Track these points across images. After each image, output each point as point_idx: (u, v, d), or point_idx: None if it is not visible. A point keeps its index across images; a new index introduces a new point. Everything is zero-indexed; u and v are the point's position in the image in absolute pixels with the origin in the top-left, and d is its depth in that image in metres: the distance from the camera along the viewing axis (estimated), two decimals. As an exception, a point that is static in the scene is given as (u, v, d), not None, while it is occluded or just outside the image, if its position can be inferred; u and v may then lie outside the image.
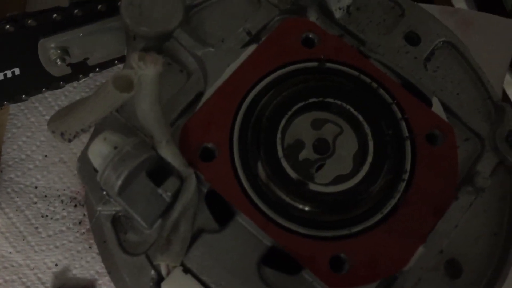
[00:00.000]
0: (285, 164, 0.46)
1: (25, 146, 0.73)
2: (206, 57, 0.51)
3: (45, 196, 0.70)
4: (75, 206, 0.70)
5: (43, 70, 0.66)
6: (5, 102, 0.69)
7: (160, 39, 0.52)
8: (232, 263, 0.46)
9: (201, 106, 0.48)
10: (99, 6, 0.63)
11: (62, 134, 0.44)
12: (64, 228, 0.69)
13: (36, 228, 0.69)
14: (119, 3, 0.63)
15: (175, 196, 0.45)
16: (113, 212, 0.46)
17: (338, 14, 0.55)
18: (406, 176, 0.48)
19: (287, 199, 0.46)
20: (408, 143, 0.49)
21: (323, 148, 0.49)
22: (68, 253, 0.67)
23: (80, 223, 0.69)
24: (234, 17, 0.55)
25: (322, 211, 0.47)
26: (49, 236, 0.68)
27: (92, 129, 0.48)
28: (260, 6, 0.56)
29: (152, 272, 0.45)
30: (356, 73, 0.51)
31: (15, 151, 0.72)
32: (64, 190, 0.70)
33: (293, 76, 0.50)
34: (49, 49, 0.64)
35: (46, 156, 0.72)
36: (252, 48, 0.51)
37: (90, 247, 0.68)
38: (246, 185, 0.46)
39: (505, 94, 0.77)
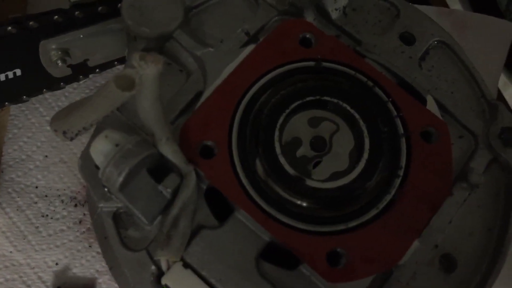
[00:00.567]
0: (283, 160, 0.47)
1: (25, 147, 0.73)
2: (206, 57, 0.52)
3: (46, 196, 0.71)
4: (75, 205, 0.71)
5: (44, 71, 0.67)
6: (6, 103, 0.70)
7: (160, 40, 0.53)
8: (231, 258, 0.46)
9: (200, 105, 0.49)
10: (100, 8, 0.64)
11: (64, 132, 0.45)
12: (64, 228, 0.69)
13: (37, 227, 0.69)
14: (119, 5, 0.64)
15: (175, 192, 0.46)
16: (114, 209, 0.47)
17: (334, 15, 0.56)
18: (401, 173, 0.49)
19: (285, 195, 0.47)
20: (403, 140, 0.50)
21: (320, 145, 0.50)
22: (69, 252, 0.68)
23: (80, 222, 0.70)
24: (232, 18, 0.56)
25: (319, 207, 0.47)
26: (50, 235, 0.69)
27: (93, 128, 0.49)
28: (258, 8, 0.57)
29: (153, 267, 0.46)
30: (352, 72, 0.52)
31: (16, 151, 0.73)
32: (65, 190, 0.71)
33: (290, 75, 0.51)
34: (50, 51, 0.64)
35: (46, 156, 0.73)
36: (250, 48, 0.52)
37: (90, 246, 0.69)
38: (245, 181, 0.47)
39: (500, 94, 0.79)
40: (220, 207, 0.49)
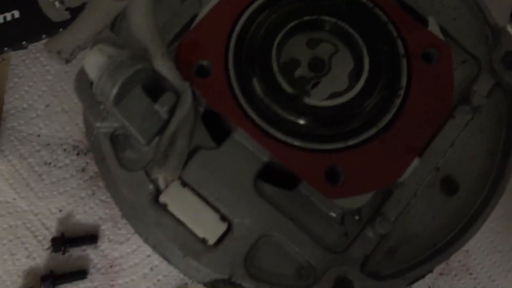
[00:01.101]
0: (280, 79, 0.47)
1: (27, 96, 0.73)
2: (201, -22, 0.51)
3: (48, 145, 0.71)
4: (78, 154, 0.71)
5: (43, 15, 0.66)
6: (6, 48, 0.70)
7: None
8: (229, 177, 0.46)
9: (196, 24, 0.48)
10: None
11: (58, 52, 0.45)
12: (67, 175, 0.69)
13: (40, 175, 0.69)
14: None
15: (171, 113, 0.46)
16: (111, 130, 0.47)
17: None
18: (401, 92, 0.48)
19: (283, 114, 0.47)
20: (404, 61, 0.49)
21: (319, 66, 0.49)
22: (72, 199, 0.68)
23: (83, 170, 0.70)
24: None
25: (318, 125, 0.47)
26: (53, 182, 0.69)
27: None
28: None
29: (151, 186, 0.46)
30: (351, -8, 0.51)
31: (17, 100, 0.73)
32: (67, 138, 0.71)
33: (287, -5, 0.51)
34: None
35: (48, 105, 0.73)
36: (247, -33, 0.51)
37: (93, 194, 0.69)
38: (242, 100, 0.47)
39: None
40: (217, 130, 0.49)
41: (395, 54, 0.49)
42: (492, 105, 0.52)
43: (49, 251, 0.65)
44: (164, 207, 0.45)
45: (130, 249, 0.67)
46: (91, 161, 0.71)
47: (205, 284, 0.47)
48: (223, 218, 0.45)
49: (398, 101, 0.48)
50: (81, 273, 0.64)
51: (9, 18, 0.65)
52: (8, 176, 0.69)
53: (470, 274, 0.68)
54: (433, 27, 0.50)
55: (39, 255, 0.66)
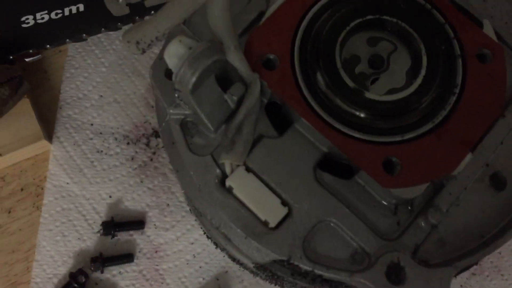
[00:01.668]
0: (343, 73, 0.49)
1: (82, 86, 0.76)
2: (269, -23, 0.54)
3: (100, 133, 0.74)
4: (128, 143, 0.74)
5: (104, 9, 0.70)
6: (67, 40, 0.73)
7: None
8: (291, 165, 0.49)
9: (264, 21, 0.52)
10: None
11: (137, 43, 0.48)
12: (117, 163, 0.72)
13: (92, 162, 0.73)
14: None
15: (239, 102, 0.49)
16: (182, 116, 0.50)
17: None
18: (456, 90, 0.50)
19: (344, 106, 0.49)
20: (459, 61, 0.51)
21: (378, 63, 0.52)
22: (121, 186, 0.71)
23: (132, 159, 0.73)
24: None
25: (377, 118, 0.49)
26: (104, 169, 0.72)
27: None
28: None
29: (217, 170, 0.49)
30: (411, -5, 0.53)
31: (73, 90, 0.76)
32: (118, 128, 0.74)
33: (351, -4, 0.53)
34: None
35: (101, 96, 0.76)
36: (312, -32, 0.54)
37: (141, 182, 0.72)
38: (305, 92, 0.49)
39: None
40: (279, 121, 0.51)
41: (451, 54, 0.51)
42: (541, 105, 0.54)
43: (98, 234, 0.68)
44: (229, 190, 0.48)
45: (174, 236, 0.70)
46: (140, 150, 0.74)
47: (260, 266, 0.50)
48: (284, 203, 0.48)
49: (453, 99, 0.50)
50: (128, 257, 0.67)
51: (74, 11, 0.69)
52: (63, 162, 0.73)
53: (502, 275, 0.70)
54: (488, 29, 0.53)
55: (89, 238, 0.69)
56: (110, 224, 0.68)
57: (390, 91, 0.51)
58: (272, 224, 0.48)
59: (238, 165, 0.49)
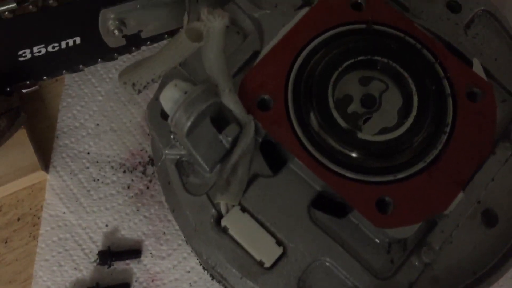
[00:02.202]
0: (335, 114, 0.50)
1: (79, 115, 0.77)
2: (263, 19, 0.55)
3: (97, 162, 0.74)
4: (124, 172, 0.74)
5: (101, 41, 0.71)
6: (64, 71, 0.74)
7: (220, 2, 0.56)
8: (285, 204, 0.50)
9: (258, 61, 0.52)
10: (156, -20, 0.68)
11: (133, 84, 0.48)
12: (114, 192, 0.73)
13: (88, 191, 0.73)
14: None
15: (234, 142, 0.49)
16: (178, 156, 0.51)
17: (384, -18, 0.59)
18: (447, 129, 0.51)
19: (337, 146, 0.50)
20: (449, 100, 0.52)
21: (370, 102, 0.53)
22: (118, 215, 0.71)
23: (128, 187, 0.73)
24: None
25: (369, 158, 0.50)
26: (100, 198, 0.72)
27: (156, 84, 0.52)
28: (313, -29, 0.60)
29: (213, 210, 0.50)
30: (402, 35, 0.54)
31: (70, 119, 0.77)
32: (114, 156, 0.75)
33: (342, 36, 0.54)
34: (109, 20, 0.68)
35: (98, 124, 0.76)
36: (305, 10, 0.55)
37: (138, 210, 0.72)
38: (299, 133, 0.50)
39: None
40: (274, 159, 0.52)
41: (441, 93, 0.52)
42: (531, 141, 0.55)
43: (95, 263, 0.68)
44: (225, 230, 0.49)
45: (171, 265, 0.70)
46: (136, 178, 0.74)
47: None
48: (279, 242, 0.49)
49: (444, 138, 0.51)
50: (124, 286, 0.67)
51: (71, 44, 0.69)
52: (59, 191, 0.73)
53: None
54: (477, 68, 0.54)
55: (85, 268, 0.69)
56: (107, 254, 0.68)
57: (382, 131, 0.52)
58: (268, 264, 0.48)
59: (233, 205, 0.49)
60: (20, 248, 0.70)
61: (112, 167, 0.74)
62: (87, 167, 0.74)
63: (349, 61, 0.52)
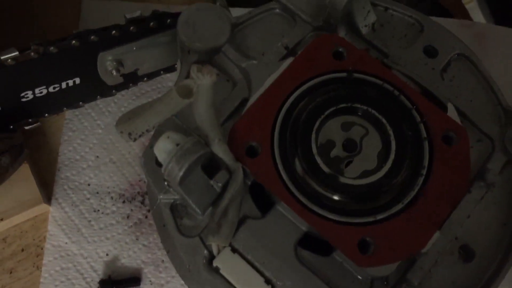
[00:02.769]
0: (318, 160, 0.54)
1: (79, 148, 0.79)
2: (250, 69, 0.59)
3: (97, 193, 0.76)
4: (123, 202, 0.76)
5: (99, 80, 0.73)
6: (64, 108, 0.77)
7: (210, 53, 0.60)
8: (273, 245, 0.53)
9: (246, 110, 0.56)
10: (151, 23, 0.71)
11: (129, 134, 0.52)
12: (113, 222, 0.75)
13: (89, 221, 0.75)
14: (168, 21, 0.71)
15: (225, 187, 0.53)
16: (172, 201, 0.54)
17: (364, 31, 0.62)
18: (424, 172, 0.54)
19: (321, 190, 0.53)
20: (426, 143, 0.55)
21: (351, 147, 0.56)
22: (117, 244, 0.74)
23: (128, 217, 0.75)
24: (273, 34, 0.63)
25: (351, 201, 0.54)
26: (101, 228, 0.75)
27: (151, 133, 0.56)
28: (296, 24, 0.63)
29: (205, 251, 0.53)
30: (380, 82, 0.58)
31: (71, 152, 0.79)
32: (114, 187, 0.77)
33: (325, 85, 0.57)
34: (107, 61, 0.71)
35: (97, 157, 0.79)
36: (289, 60, 0.59)
37: (137, 239, 0.74)
38: (285, 177, 0.53)
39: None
40: (262, 200, 0.55)
41: (418, 137, 0.56)
42: (504, 180, 0.58)
43: None
44: (216, 270, 0.52)
45: None
46: (135, 208, 0.77)
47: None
48: (267, 281, 0.52)
49: (421, 180, 0.54)
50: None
51: (71, 84, 0.72)
52: (61, 222, 0.75)
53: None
54: (452, 113, 0.57)
55: (87, 296, 0.71)
56: (108, 282, 0.70)
57: (363, 174, 0.55)
58: (257, 301, 0.51)
59: (224, 246, 0.53)
60: (24, 278, 0.72)
61: (112, 197, 0.76)
62: (88, 198, 0.76)
63: (331, 109, 0.56)
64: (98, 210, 0.76)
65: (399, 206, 0.53)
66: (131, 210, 0.76)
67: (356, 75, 0.58)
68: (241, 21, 0.64)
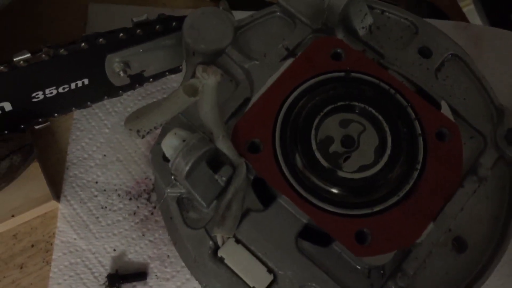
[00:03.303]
0: (318, 155, 0.56)
1: (87, 147, 0.81)
2: (252, 69, 0.61)
3: (104, 190, 0.78)
4: (130, 199, 0.78)
5: (107, 81, 0.76)
6: (73, 108, 0.80)
7: (214, 55, 0.63)
8: (275, 236, 0.55)
9: (248, 109, 0.59)
10: (157, 27, 0.73)
11: (138, 131, 0.55)
12: (120, 218, 0.77)
13: (97, 218, 0.77)
14: (173, 24, 0.74)
15: (228, 181, 0.55)
16: (178, 194, 0.57)
17: (361, 32, 0.65)
18: (418, 166, 0.57)
19: (320, 184, 0.56)
20: (420, 139, 0.58)
21: (349, 143, 0.58)
22: (124, 240, 0.75)
23: (134, 214, 0.77)
24: (274, 36, 0.65)
25: (349, 194, 0.56)
26: (108, 225, 0.76)
27: (157, 132, 0.58)
28: (296, 27, 0.66)
29: (210, 242, 0.55)
30: (377, 81, 0.60)
31: (79, 151, 0.81)
32: (121, 185, 0.79)
33: (324, 84, 0.60)
34: (114, 63, 0.73)
35: (105, 155, 0.81)
36: (289, 61, 0.61)
37: (143, 235, 0.76)
38: (286, 172, 0.56)
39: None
40: (264, 194, 0.58)
41: (413, 133, 0.58)
42: (496, 175, 0.60)
43: (104, 286, 0.72)
44: (221, 260, 0.55)
45: (175, 286, 0.74)
46: (141, 205, 0.79)
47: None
48: (270, 270, 0.54)
49: (415, 174, 0.57)
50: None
51: (80, 84, 0.75)
52: (70, 219, 0.77)
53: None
54: (445, 110, 0.60)
55: (95, 290, 0.73)
56: (115, 277, 0.72)
57: (360, 168, 0.57)
58: (260, 290, 0.54)
59: (228, 238, 0.55)
60: (34, 273, 0.74)
61: (119, 195, 0.78)
62: (96, 196, 0.78)
63: (330, 107, 0.58)
64: (106, 207, 0.78)
65: (395, 199, 0.55)
66: (138, 207, 0.78)
67: (353, 74, 0.60)
68: (244, 24, 0.66)
